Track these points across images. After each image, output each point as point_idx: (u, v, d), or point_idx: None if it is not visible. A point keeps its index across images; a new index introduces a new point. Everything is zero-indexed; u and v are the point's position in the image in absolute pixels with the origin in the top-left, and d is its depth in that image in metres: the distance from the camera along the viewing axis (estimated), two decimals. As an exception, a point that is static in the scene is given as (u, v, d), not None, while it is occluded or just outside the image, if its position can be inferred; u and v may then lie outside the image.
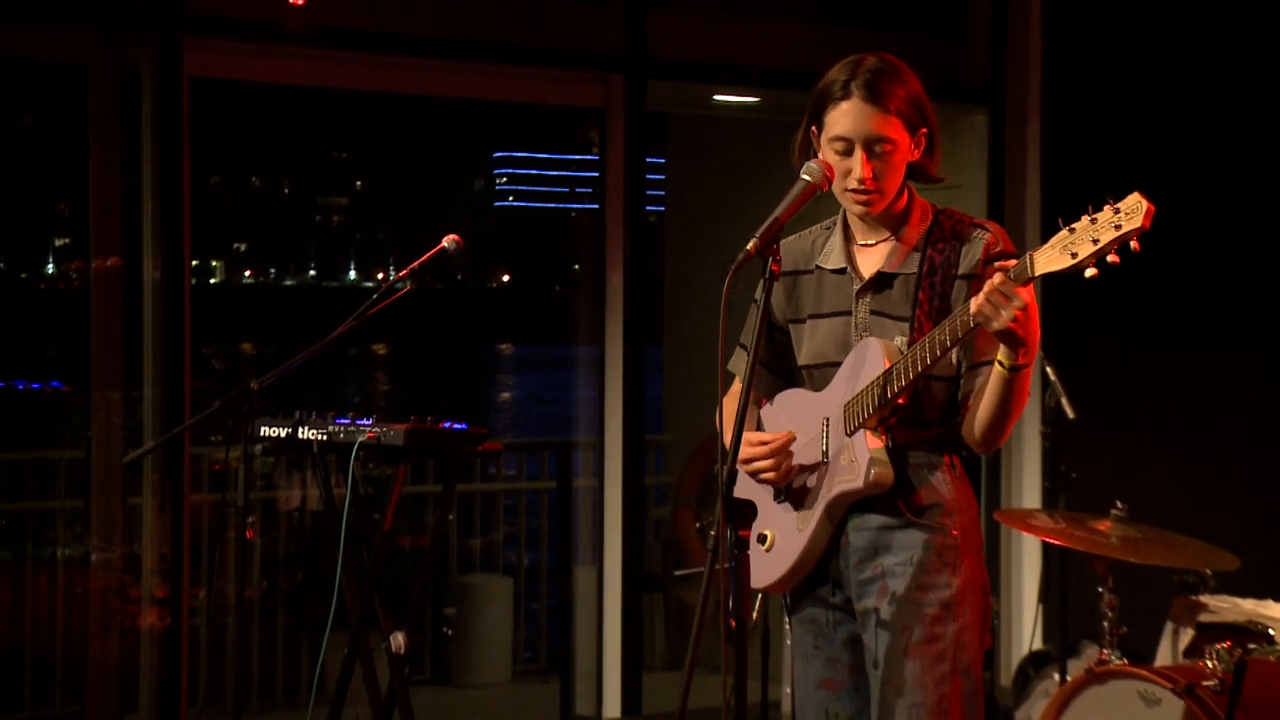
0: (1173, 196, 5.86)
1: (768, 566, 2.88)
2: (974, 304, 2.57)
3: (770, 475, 2.85)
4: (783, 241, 2.98)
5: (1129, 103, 5.92)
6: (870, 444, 2.75)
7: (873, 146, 2.74)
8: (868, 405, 2.74)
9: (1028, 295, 2.54)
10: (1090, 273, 2.49)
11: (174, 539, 4.75)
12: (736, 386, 3.08)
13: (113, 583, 4.83)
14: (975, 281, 2.72)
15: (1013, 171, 6.08)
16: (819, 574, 2.87)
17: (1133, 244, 2.48)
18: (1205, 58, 5.81)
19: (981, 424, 2.71)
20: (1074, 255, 2.49)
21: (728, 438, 2.69)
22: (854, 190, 2.76)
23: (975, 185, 6.08)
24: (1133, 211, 2.47)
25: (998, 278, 2.54)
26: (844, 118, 2.76)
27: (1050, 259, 2.50)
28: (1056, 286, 5.84)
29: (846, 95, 2.76)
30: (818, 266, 2.90)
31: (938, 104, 2.85)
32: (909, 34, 5.56)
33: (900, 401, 2.74)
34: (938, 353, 2.66)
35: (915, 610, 2.74)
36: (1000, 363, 2.63)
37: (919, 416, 2.77)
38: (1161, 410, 5.80)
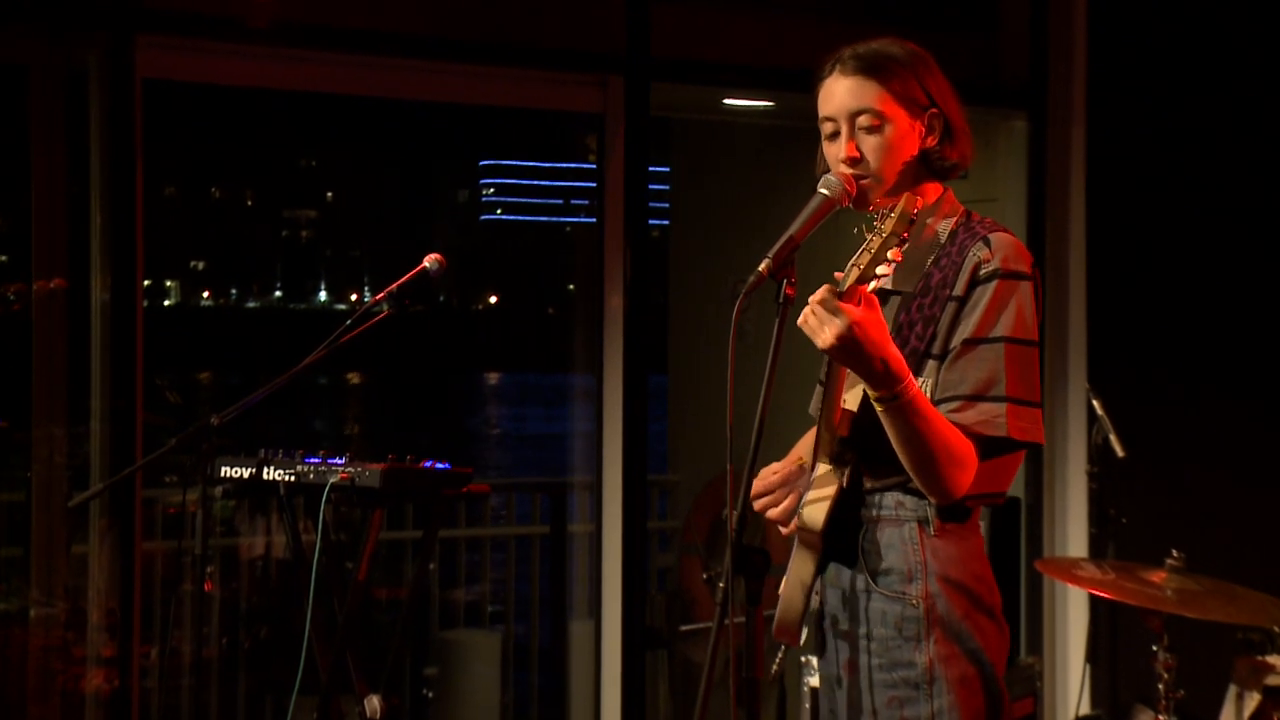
0: (1236, 213, 5.92)
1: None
2: (801, 314, 2.58)
3: (773, 512, 2.85)
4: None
5: (1186, 106, 5.93)
6: (817, 482, 2.75)
7: (856, 119, 2.74)
8: (818, 437, 2.77)
9: (853, 313, 2.51)
10: (873, 285, 2.52)
11: (123, 591, 4.74)
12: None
13: (54, 641, 4.82)
14: (960, 306, 2.70)
15: (1055, 182, 6.08)
16: (819, 628, 2.88)
17: (892, 253, 2.48)
18: (1273, 57, 5.82)
19: (905, 467, 2.65)
20: (858, 266, 2.51)
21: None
22: (842, 173, 2.74)
23: (1013, 197, 6.08)
24: (894, 217, 2.50)
25: (821, 290, 2.54)
26: (828, 95, 2.78)
27: (851, 273, 2.53)
28: (1102, 313, 5.89)
29: (831, 71, 2.78)
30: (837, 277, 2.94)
31: (971, 108, 2.85)
32: (939, 31, 5.59)
33: (841, 434, 2.73)
34: (825, 382, 2.69)
35: (881, 693, 2.72)
36: (868, 392, 2.61)
37: (883, 455, 2.70)
38: (1222, 447, 5.80)
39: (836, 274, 2.57)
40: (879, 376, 2.56)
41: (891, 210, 2.51)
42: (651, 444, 5.52)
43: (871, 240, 2.51)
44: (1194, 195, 5.91)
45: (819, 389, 3.08)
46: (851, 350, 2.53)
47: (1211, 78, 5.90)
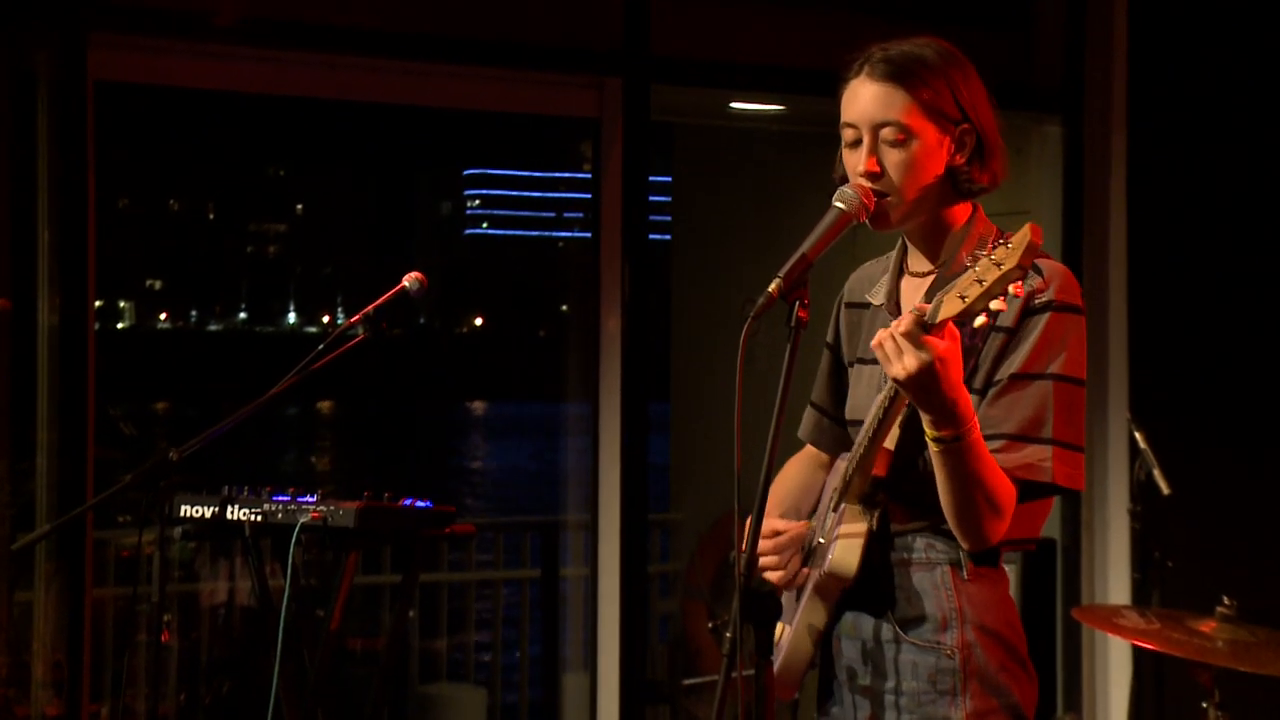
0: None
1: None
2: (875, 338, 2.56)
3: (775, 575, 2.86)
4: (861, 267, 3.02)
5: (1237, 110, 5.93)
6: (846, 524, 2.76)
7: (880, 131, 2.73)
8: (849, 476, 2.77)
9: (939, 347, 2.50)
10: (979, 320, 2.46)
11: (72, 642, 4.73)
12: (807, 451, 3.14)
13: (-4, 696, 4.82)
14: (1008, 337, 2.68)
15: (1092, 194, 6.08)
16: (825, 683, 2.87)
17: (1013, 288, 2.42)
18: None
19: (945, 512, 2.65)
20: (963, 298, 2.45)
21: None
22: (860, 185, 2.73)
23: (1046, 211, 6.09)
24: (1014, 247, 2.42)
25: (907, 318, 2.52)
26: (852, 99, 2.77)
27: (951, 304, 2.47)
28: (1145, 337, 5.88)
29: (858, 73, 2.77)
30: (868, 301, 2.93)
31: (1001, 112, 2.84)
32: (966, 27, 5.60)
33: (878, 474, 2.74)
34: (881, 418, 2.67)
35: None
36: (925, 430, 2.60)
37: (916, 495, 2.72)
38: (1278, 484, 5.80)
39: (919, 304, 2.54)
40: (948, 416, 2.55)
41: (1008, 240, 2.44)
42: (652, 479, 5.52)
43: (984, 270, 2.43)
44: (1246, 209, 5.91)
45: (812, 413, 3.10)
46: (927, 387, 2.51)
47: (1266, 80, 5.90)
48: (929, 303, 2.52)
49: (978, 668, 2.71)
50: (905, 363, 2.50)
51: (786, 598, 2.95)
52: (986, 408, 2.68)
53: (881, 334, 2.54)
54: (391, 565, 6.61)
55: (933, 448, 2.59)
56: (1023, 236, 2.41)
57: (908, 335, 2.50)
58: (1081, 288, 2.77)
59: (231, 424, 3.59)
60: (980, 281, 2.43)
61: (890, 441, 2.73)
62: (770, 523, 2.87)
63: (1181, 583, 4.96)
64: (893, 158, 2.73)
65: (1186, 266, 5.90)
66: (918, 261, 2.86)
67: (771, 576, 2.86)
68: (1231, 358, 5.89)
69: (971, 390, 2.68)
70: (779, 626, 2.90)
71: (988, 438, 2.64)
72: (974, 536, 2.66)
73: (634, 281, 5.48)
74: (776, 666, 2.85)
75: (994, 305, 2.44)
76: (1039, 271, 2.68)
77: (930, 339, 2.49)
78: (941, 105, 2.73)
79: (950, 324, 2.51)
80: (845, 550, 2.74)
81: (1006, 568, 2.82)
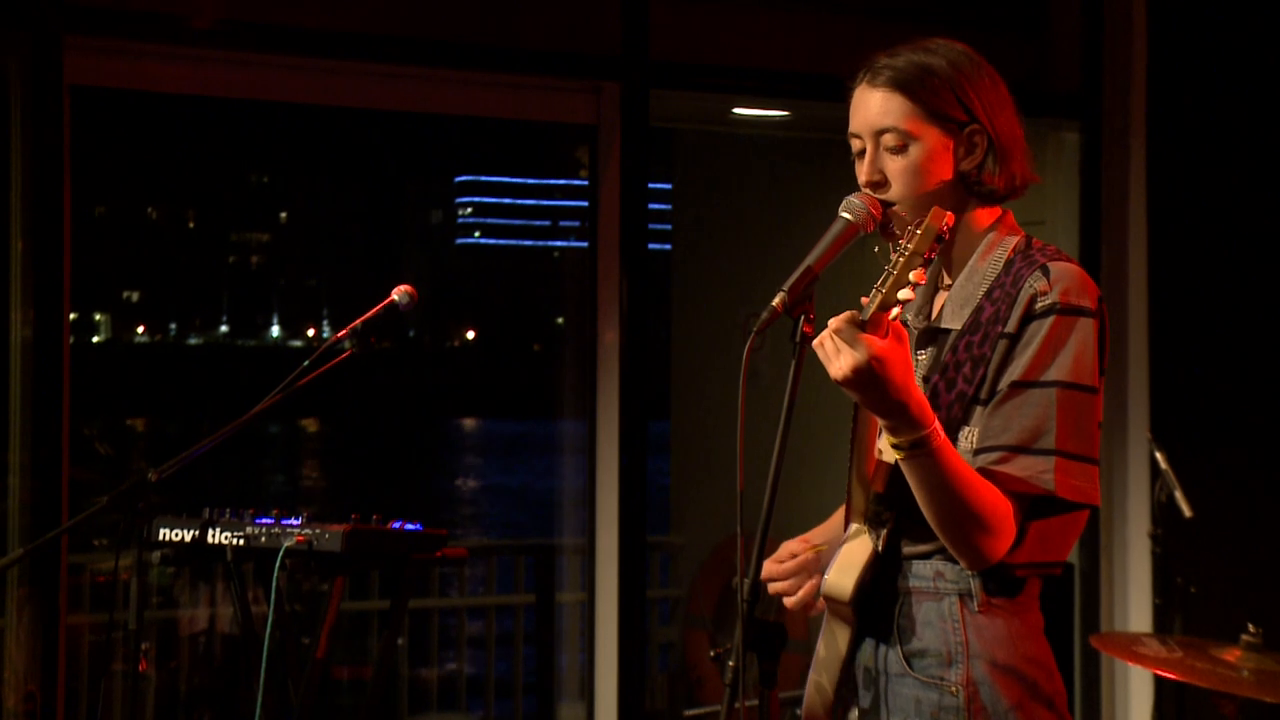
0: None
1: None
2: (817, 339, 2.58)
3: (790, 601, 2.87)
4: None
5: (1262, 114, 5.94)
6: (849, 547, 2.76)
7: (881, 138, 2.74)
8: (849, 492, 2.77)
9: (876, 346, 2.51)
10: (894, 312, 2.51)
11: (45, 671, 4.73)
12: None
13: (-34, 728, 4.81)
14: (1011, 344, 2.67)
15: (1111, 202, 6.09)
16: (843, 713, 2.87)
17: (914, 275, 2.48)
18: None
19: (931, 527, 2.65)
20: (880, 290, 2.51)
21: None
22: (867, 195, 2.74)
23: (1063, 220, 6.10)
24: (921, 232, 2.50)
25: (842, 316, 2.54)
26: (855, 108, 2.78)
27: (873, 298, 2.53)
28: (1166, 352, 5.88)
29: (861, 80, 2.78)
30: (907, 319, 2.93)
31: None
32: (979, 30, 5.61)
33: (876, 490, 2.73)
34: (854, 428, 2.69)
35: None
36: (886, 438, 2.61)
37: (921, 515, 2.68)
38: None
39: (863, 299, 2.57)
40: (899, 420, 2.55)
41: (917, 226, 2.51)
42: (652, 501, 5.52)
43: (895, 260, 2.51)
44: (1271, 218, 5.92)
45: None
46: (869, 386, 2.52)
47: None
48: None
49: (984, 707, 2.68)
50: (842, 362, 2.52)
51: None
52: (986, 418, 2.67)
53: (822, 335, 2.55)
54: (380, 590, 6.62)
55: (896, 456, 2.59)
56: (925, 222, 2.50)
57: (840, 333, 2.52)
58: (1099, 290, 2.75)
59: (213, 443, 3.59)
60: (891, 271, 2.50)
61: (889, 454, 2.70)
62: (789, 545, 2.89)
63: (1204, 609, 4.96)
64: (894, 165, 2.74)
65: (1209, 278, 5.90)
66: (946, 271, 2.85)
67: (788, 603, 2.87)
68: (1257, 374, 5.89)
69: (980, 401, 2.68)
70: (814, 659, 2.90)
71: (987, 450, 2.65)
72: (967, 554, 2.64)
73: (632, 293, 5.49)
74: (806, 700, 2.85)
75: (902, 295, 2.50)
76: (1045, 274, 2.69)
77: (867, 337, 2.51)
78: (944, 108, 2.73)
79: (896, 323, 2.53)
80: (839, 573, 2.75)
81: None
